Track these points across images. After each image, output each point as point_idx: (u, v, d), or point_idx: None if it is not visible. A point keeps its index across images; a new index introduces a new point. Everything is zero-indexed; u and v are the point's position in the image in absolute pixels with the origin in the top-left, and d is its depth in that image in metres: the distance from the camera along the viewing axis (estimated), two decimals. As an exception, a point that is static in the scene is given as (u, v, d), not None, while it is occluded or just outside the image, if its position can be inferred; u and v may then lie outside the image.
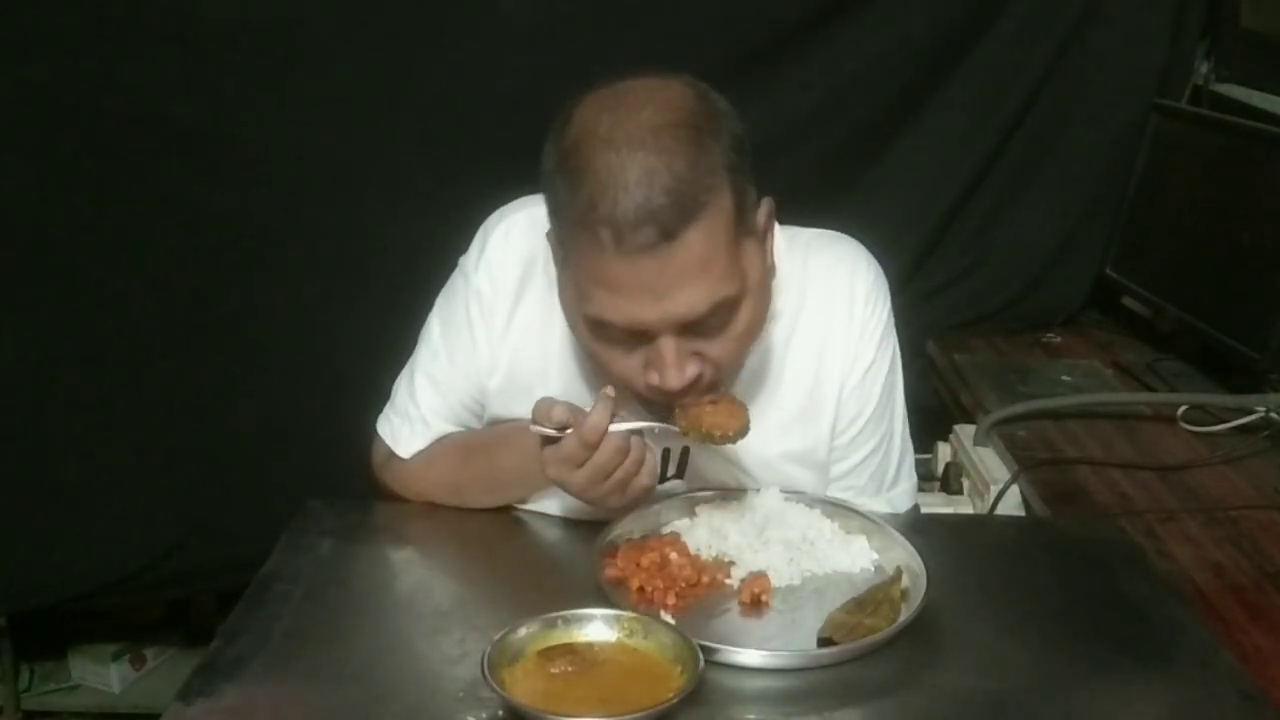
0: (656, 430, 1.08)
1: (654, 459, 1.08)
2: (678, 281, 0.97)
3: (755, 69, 1.83)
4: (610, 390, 1.05)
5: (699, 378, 1.04)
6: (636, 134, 0.96)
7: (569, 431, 1.02)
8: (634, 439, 1.05)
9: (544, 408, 1.04)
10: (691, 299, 0.98)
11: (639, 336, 1.01)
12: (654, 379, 1.02)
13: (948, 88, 1.97)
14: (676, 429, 1.07)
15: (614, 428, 1.02)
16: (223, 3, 1.71)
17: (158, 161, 1.75)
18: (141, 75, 1.71)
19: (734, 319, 1.04)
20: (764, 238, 1.08)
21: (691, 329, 1.01)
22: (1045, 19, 1.95)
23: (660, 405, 1.08)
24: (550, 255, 1.16)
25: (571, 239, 1.00)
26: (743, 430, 1.06)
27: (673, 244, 0.95)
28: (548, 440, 1.04)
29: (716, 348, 1.04)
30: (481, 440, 1.22)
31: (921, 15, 1.88)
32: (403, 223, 1.82)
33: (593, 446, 1.02)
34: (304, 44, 1.74)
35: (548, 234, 1.08)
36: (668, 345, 1.01)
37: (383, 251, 1.84)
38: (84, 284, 1.81)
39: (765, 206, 1.07)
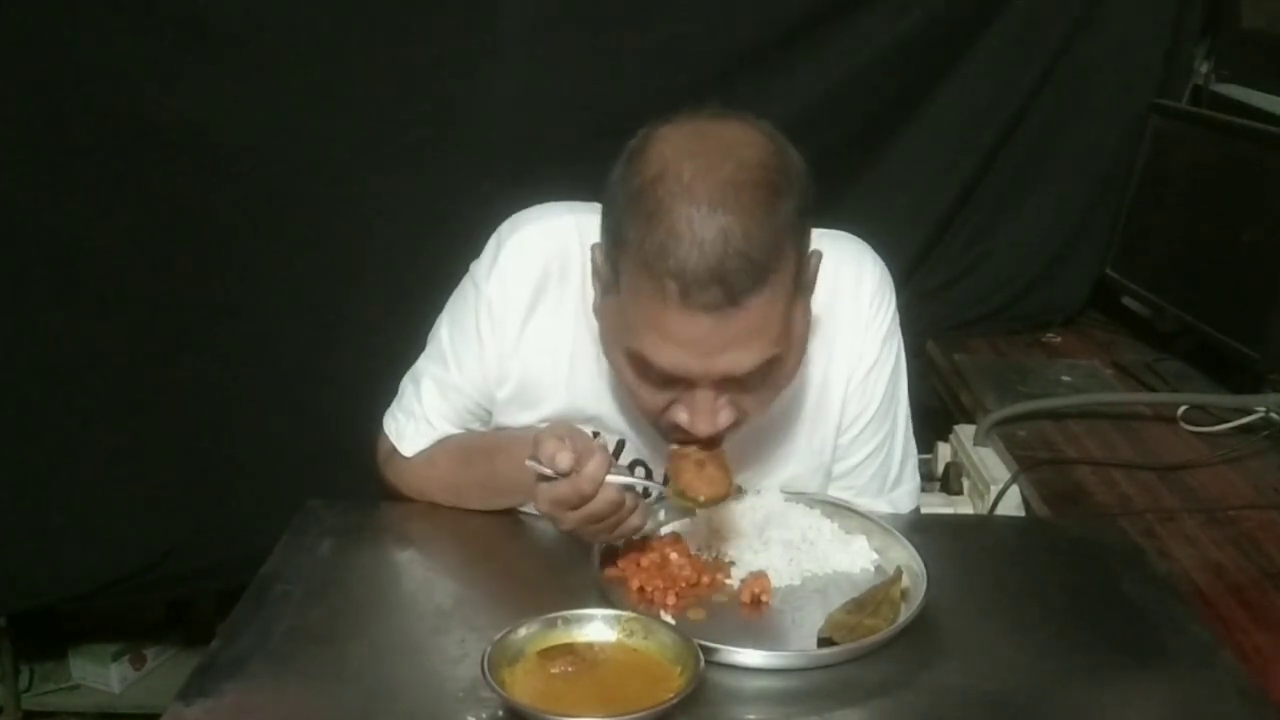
0: (652, 490, 1.08)
1: (645, 505, 1.08)
2: (732, 342, 0.97)
3: (754, 69, 1.83)
4: (606, 440, 1.06)
5: (725, 428, 1.04)
6: (718, 189, 0.94)
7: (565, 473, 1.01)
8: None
9: (549, 449, 1.02)
10: (740, 359, 0.98)
11: (678, 380, 1.01)
12: (683, 419, 1.03)
13: (947, 87, 1.97)
14: (665, 490, 1.07)
15: (610, 478, 1.02)
16: (223, 1, 1.71)
17: (157, 162, 1.75)
18: (142, 75, 1.70)
19: (774, 375, 1.04)
20: (811, 291, 1.08)
21: (731, 382, 1.01)
22: (1045, 19, 1.95)
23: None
24: (566, 265, 1.16)
25: (633, 278, 0.98)
26: (724, 498, 1.05)
27: (736, 308, 0.95)
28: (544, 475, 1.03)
29: (750, 399, 1.04)
30: (483, 445, 1.22)
31: (921, 14, 1.88)
32: (402, 222, 1.82)
33: (588, 497, 1.01)
34: (303, 43, 1.74)
35: (594, 247, 1.06)
36: (705, 394, 1.01)
37: (383, 251, 1.84)
38: (83, 284, 1.80)
39: (814, 260, 1.06)
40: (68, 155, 1.74)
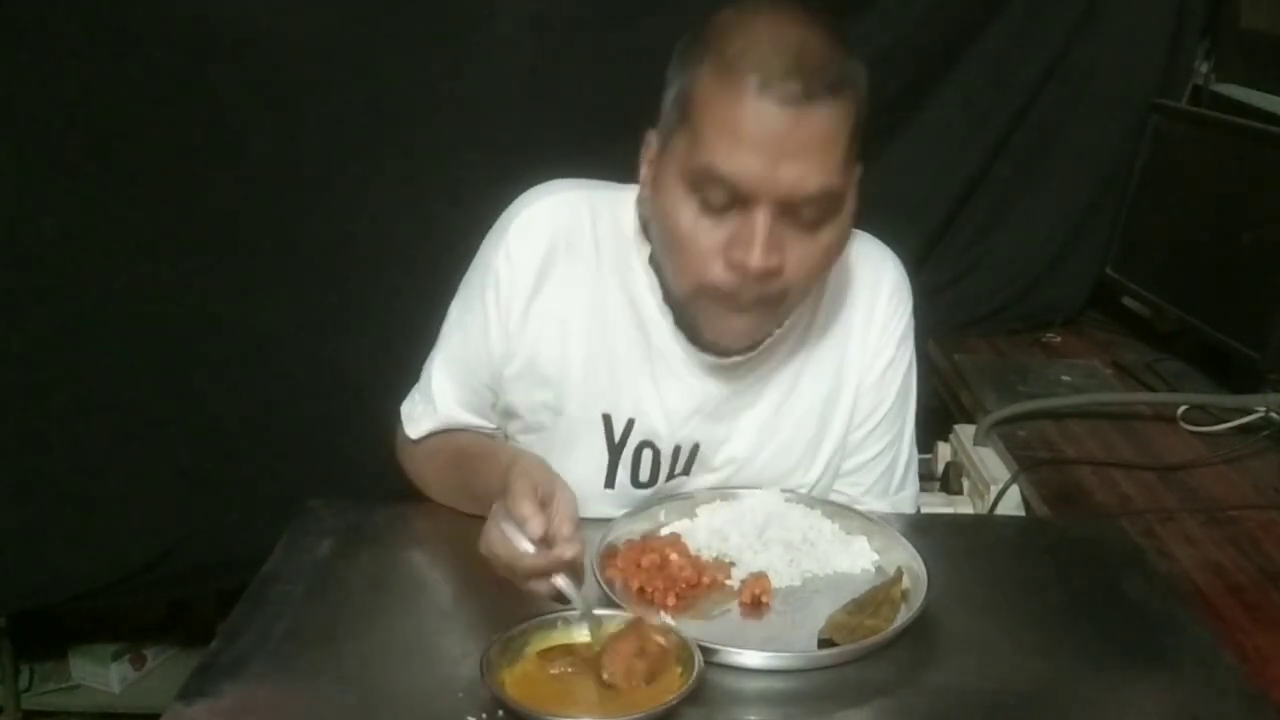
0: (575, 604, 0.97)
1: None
2: (801, 150, 0.98)
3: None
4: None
5: (776, 272, 1.02)
6: (795, 13, 1.01)
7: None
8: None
9: (523, 512, 0.94)
10: (807, 173, 0.99)
11: (737, 205, 1.00)
12: (737, 255, 1.01)
13: (948, 87, 1.97)
14: (578, 611, 0.97)
15: (557, 580, 0.95)
16: (224, 5, 1.71)
17: (158, 163, 1.75)
18: (145, 74, 1.70)
19: (827, 224, 1.04)
20: (858, 171, 1.08)
21: (789, 213, 1.00)
22: (1045, 19, 1.95)
23: (718, 313, 1.07)
24: (575, 240, 1.16)
25: (708, 91, 1.00)
26: (624, 690, 0.91)
27: (811, 107, 0.97)
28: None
29: (800, 250, 1.03)
30: (471, 451, 1.20)
31: (922, 14, 1.88)
32: (402, 223, 1.82)
33: (519, 576, 0.96)
34: (302, 43, 1.73)
35: (648, 133, 1.09)
36: (762, 222, 1.00)
37: (382, 252, 1.84)
38: (83, 284, 1.80)
39: (858, 169, 1.08)
40: (66, 156, 1.73)
